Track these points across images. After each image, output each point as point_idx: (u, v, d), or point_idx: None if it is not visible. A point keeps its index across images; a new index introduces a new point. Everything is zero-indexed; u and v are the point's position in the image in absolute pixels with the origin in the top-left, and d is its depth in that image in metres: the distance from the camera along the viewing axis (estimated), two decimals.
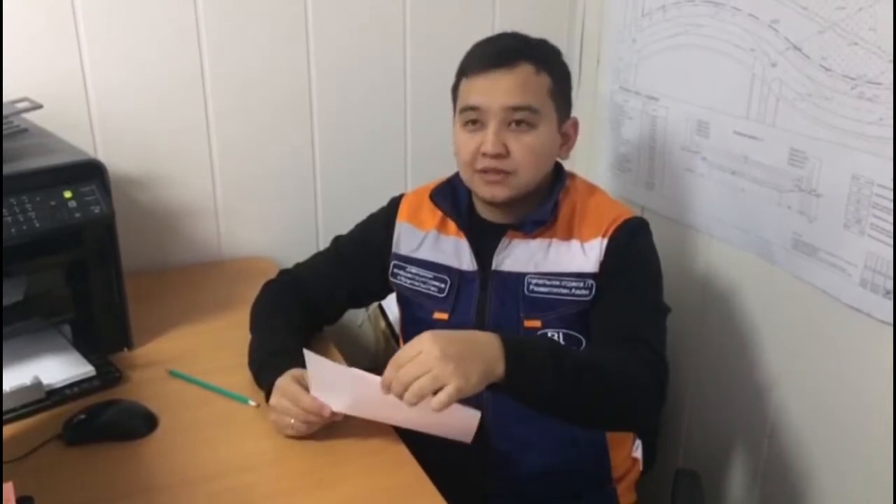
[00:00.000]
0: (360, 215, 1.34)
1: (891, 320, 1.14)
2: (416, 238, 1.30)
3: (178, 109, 1.54)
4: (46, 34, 1.40)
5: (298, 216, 1.71)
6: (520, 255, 1.22)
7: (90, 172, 1.16)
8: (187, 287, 1.55)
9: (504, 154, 1.17)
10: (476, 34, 1.69)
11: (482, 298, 1.23)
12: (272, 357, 1.16)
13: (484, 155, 1.17)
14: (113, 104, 1.48)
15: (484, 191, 1.21)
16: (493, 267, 1.22)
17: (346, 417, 1.09)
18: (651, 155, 1.61)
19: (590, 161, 1.77)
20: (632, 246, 1.21)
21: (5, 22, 1.36)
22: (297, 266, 1.40)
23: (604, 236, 1.20)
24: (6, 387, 1.11)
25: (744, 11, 1.34)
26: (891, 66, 1.11)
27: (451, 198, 1.28)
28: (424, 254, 1.28)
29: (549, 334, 1.18)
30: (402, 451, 1.08)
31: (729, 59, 1.38)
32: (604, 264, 1.19)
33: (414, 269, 1.29)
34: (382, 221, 1.34)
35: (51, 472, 1.02)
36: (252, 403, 1.17)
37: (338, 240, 1.40)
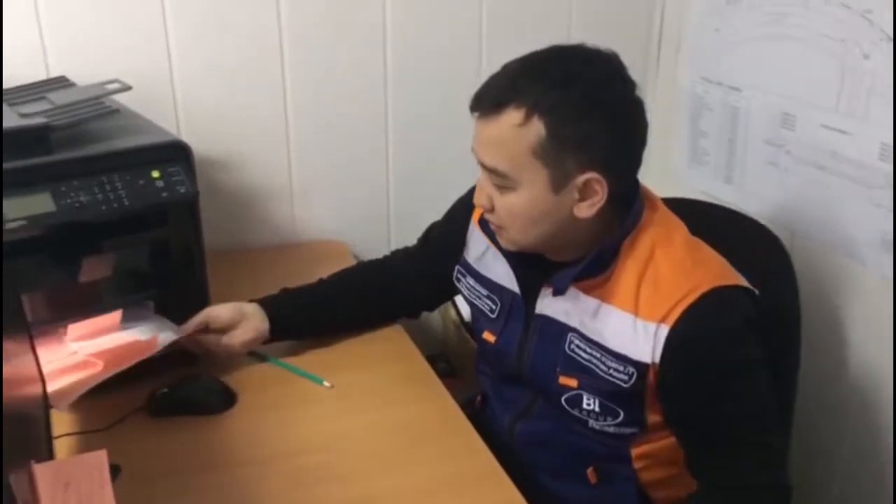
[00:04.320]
0: (431, 203, 1.34)
1: None
2: (481, 246, 1.19)
3: (258, 95, 1.56)
4: (137, 19, 1.44)
5: (370, 202, 1.73)
6: (568, 307, 1.06)
7: (177, 153, 1.19)
8: (262, 268, 1.58)
9: (489, 209, 1.04)
10: (553, 23, 1.69)
11: (523, 337, 1.13)
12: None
13: None
14: (196, 87, 1.51)
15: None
16: (537, 311, 1.10)
17: (421, 397, 1.13)
18: (731, 148, 1.57)
19: (666, 153, 1.74)
20: (703, 343, 0.97)
21: (102, 6, 1.41)
22: (395, 252, 1.40)
23: (663, 321, 0.97)
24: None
25: (835, 1, 1.29)
26: None
27: None
28: (483, 267, 1.19)
29: (585, 399, 1.05)
30: (474, 438, 1.09)
31: (818, 50, 1.33)
32: (664, 363, 0.98)
33: (472, 281, 1.21)
34: (463, 213, 1.24)
35: (134, 443, 1.06)
36: (327, 384, 1.19)
37: (431, 229, 1.35)
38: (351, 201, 1.71)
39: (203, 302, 1.30)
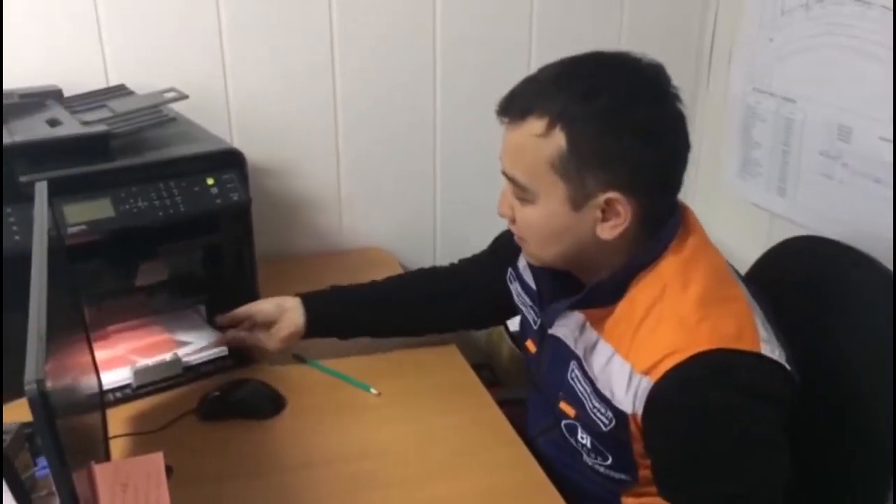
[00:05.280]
0: (477, 213, 1.34)
1: None
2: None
3: (309, 105, 1.59)
4: (194, 30, 1.47)
5: (417, 211, 1.74)
6: (577, 334, 1.00)
7: (231, 161, 1.21)
8: (310, 275, 1.59)
9: (511, 220, 1.00)
10: (604, 32, 1.69)
11: (540, 353, 1.10)
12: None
13: None
14: (249, 97, 1.54)
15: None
16: (551, 330, 1.05)
17: (468, 406, 1.12)
18: (785, 159, 1.54)
19: (716, 164, 1.71)
20: (686, 410, 0.86)
21: (157, 20, 1.44)
22: (463, 259, 1.36)
23: (648, 373, 0.88)
24: (150, 361, 1.18)
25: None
26: None
27: None
28: (527, 274, 1.15)
29: (580, 432, 0.99)
30: (522, 450, 1.08)
31: (876, 62, 1.30)
32: (646, 420, 0.89)
33: (518, 288, 1.18)
34: None
35: (185, 445, 1.07)
36: (374, 392, 1.19)
37: (503, 233, 1.26)
38: (398, 210, 1.72)
39: None
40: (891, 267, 1.06)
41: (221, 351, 1.24)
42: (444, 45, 1.62)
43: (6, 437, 0.93)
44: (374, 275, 1.38)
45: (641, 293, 0.93)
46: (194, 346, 1.25)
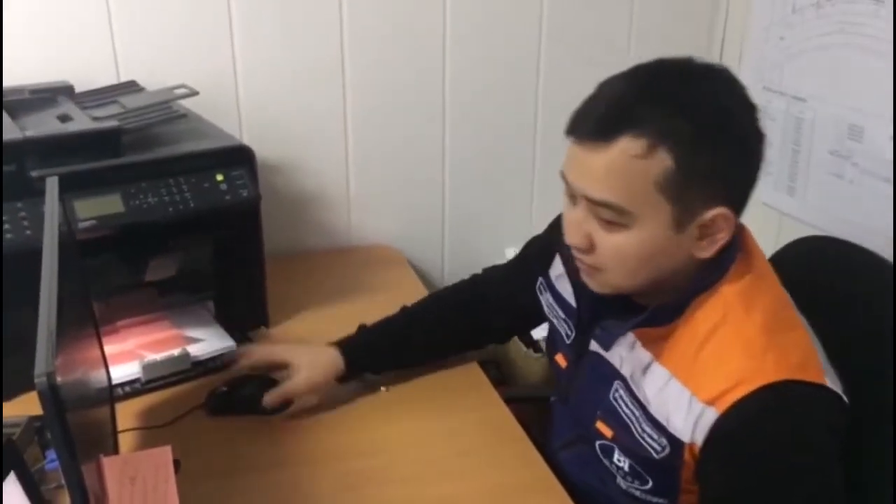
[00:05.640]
0: (486, 211, 1.32)
1: None
2: (561, 267, 1.09)
3: (319, 103, 1.59)
4: (204, 27, 1.47)
5: (426, 209, 1.74)
6: (623, 352, 0.95)
7: (240, 157, 1.22)
8: (318, 272, 1.60)
9: (587, 249, 0.90)
10: (613, 30, 1.68)
11: (574, 370, 1.05)
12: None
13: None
14: (259, 94, 1.54)
15: (582, 276, 0.96)
16: (591, 347, 1.00)
17: (475, 404, 1.11)
18: (794, 159, 1.53)
19: None
20: (755, 444, 0.83)
21: (168, 16, 1.45)
22: (489, 267, 1.31)
23: (712, 404, 0.84)
24: (158, 356, 1.18)
25: None
26: None
27: None
28: (562, 285, 1.09)
29: (616, 454, 0.95)
30: (528, 448, 1.09)
31: (887, 60, 1.30)
32: (706, 451, 0.85)
33: (550, 299, 1.12)
34: (558, 225, 1.09)
35: (192, 440, 1.08)
36: (383, 389, 1.19)
37: (530, 242, 1.24)
38: (407, 208, 1.73)
39: (261, 304, 1.33)
40: None
41: (230, 346, 1.24)
42: (453, 43, 1.62)
43: (16, 430, 0.94)
44: (383, 270, 1.38)
45: (701, 315, 0.89)
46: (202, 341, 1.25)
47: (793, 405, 0.83)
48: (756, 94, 1.59)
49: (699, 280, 0.90)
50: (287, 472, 1.03)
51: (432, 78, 1.64)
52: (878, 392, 0.98)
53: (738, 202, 0.88)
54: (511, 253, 1.76)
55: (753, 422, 0.82)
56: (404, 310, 1.25)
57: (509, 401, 1.20)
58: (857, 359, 1.01)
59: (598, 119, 0.85)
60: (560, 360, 1.09)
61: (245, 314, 1.32)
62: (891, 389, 0.98)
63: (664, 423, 0.88)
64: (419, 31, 1.60)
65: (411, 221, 1.74)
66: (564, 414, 1.11)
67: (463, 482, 1.02)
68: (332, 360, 1.16)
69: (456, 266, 1.79)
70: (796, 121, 1.51)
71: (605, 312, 0.98)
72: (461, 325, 1.25)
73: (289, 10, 1.51)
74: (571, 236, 0.91)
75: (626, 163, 0.83)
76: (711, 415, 0.83)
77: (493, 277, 1.28)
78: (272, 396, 1.12)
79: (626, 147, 0.83)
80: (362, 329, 1.22)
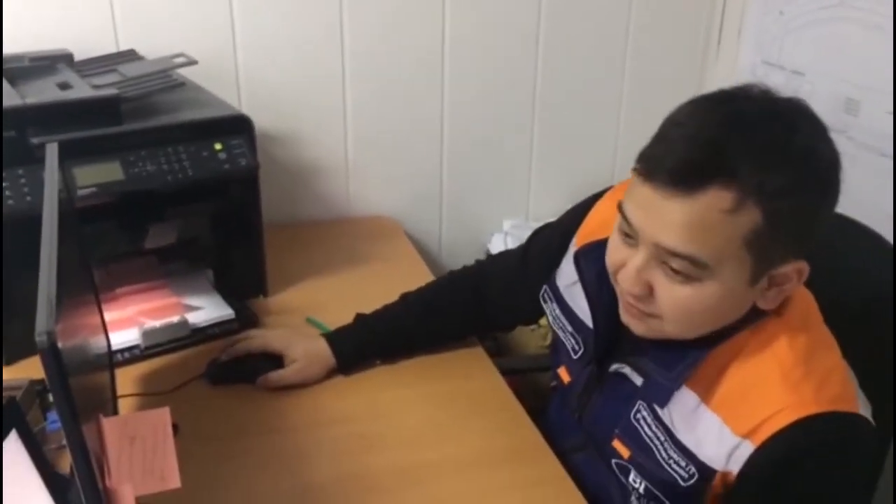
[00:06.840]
0: (483, 183, 1.31)
1: None
2: (572, 276, 1.03)
3: (318, 73, 1.59)
4: None
5: (424, 180, 1.75)
6: (650, 371, 0.89)
7: (239, 126, 1.22)
8: (316, 241, 1.61)
9: (645, 296, 0.84)
10: (615, 3, 1.67)
11: (591, 386, 0.99)
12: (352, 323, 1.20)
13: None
14: (258, 64, 1.54)
15: (623, 315, 0.90)
16: (612, 369, 0.95)
17: (471, 372, 1.11)
18: None
19: None
20: (793, 478, 0.79)
21: None
22: (493, 256, 1.29)
23: (748, 437, 0.81)
24: (157, 323, 1.20)
25: None
26: None
27: (599, 264, 0.92)
28: (570, 298, 1.04)
29: (632, 475, 0.91)
30: (520, 413, 1.11)
31: (886, 35, 1.30)
32: (742, 482, 0.82)
33: (557, 310, 1.06)
34: (572, 227, 1.07)
35: (192, 406, 1.09)
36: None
37: (536, 233, 1.19)
38: (405, 179, 1.73)
39: (260, 273, 1.34)
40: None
41: (228, 314, 1.26)
42: (452, 14, 1.62)
43: (17, 392, 0.95)
44: (380, 241, 1.38)
45: (733, 348, 0.85)
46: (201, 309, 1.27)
47: (831, 442, 0.80)
48: (755, 68, 1.60)
49: (745, 320, 0.85)
50: (289, 435, 1.05)
51: (433, 48, 1.64)
52: (875, 369, 0.98)
53: (812, 247, 0.83)
54: (508, 225, 1.77)
55: (791, 456, 0.79)
56: (404, 302, 1.22)
57: (506, 373, 1.21)
58: (852, 331, 1.02)
59: (682, 166, 0.76)
60: (563, 373, 1.05)
61: (244, 283, 1.34)
62: (889, 364, 0.99)
63: (694, 450, 0.85)
64: (418, 3, 1.59)
65: (409, 192, 1.75)
66: (566, 417, 1.06)
67: (459, 446, 1.05)
68: (325, 358, 1.16)
69: (453, 236, 1.80)
70: (794, 94, 1.51)
71: (626, 340, 0.93)
72: (462, 323, 1.24)
73: None
74: (629, 282, 0.83)
75: (713, 217, 0.76)
76: (747, 448, 0.81)
77: (496, 275, 1.23)
78: (265, 383, 1.13)
79: (714, 200, 0.76)
80: (359, 319, 1.20)
